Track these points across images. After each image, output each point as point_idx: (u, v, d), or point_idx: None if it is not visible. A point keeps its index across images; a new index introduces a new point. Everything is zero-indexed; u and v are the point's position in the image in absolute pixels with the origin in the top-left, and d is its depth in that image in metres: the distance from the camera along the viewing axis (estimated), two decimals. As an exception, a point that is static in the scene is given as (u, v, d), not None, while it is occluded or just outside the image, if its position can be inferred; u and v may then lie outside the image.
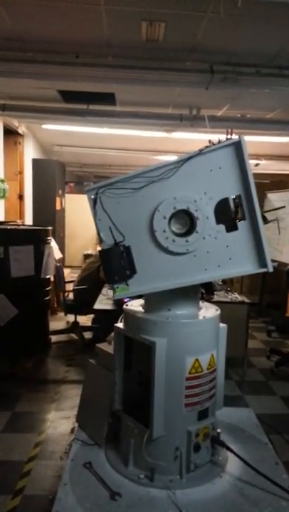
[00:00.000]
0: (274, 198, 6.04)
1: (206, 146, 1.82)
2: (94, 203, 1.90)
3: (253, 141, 6.57)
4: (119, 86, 4.66)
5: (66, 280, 5.57)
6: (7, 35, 3.64)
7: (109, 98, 5.29)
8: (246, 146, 1.80)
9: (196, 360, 1.92)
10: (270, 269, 1.82)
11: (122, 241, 1.87)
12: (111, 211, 1.89)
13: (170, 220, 1.84)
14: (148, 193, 1.85)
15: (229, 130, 2.00)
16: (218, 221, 1.83)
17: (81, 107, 5.43)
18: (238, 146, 1.79)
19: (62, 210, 9.50)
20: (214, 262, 1.86)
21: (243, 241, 1.83)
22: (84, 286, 5.15)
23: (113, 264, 1.87)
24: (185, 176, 1.83)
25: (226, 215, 1.84)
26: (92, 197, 1.90)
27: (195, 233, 1.82)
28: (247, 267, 1.86)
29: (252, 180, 1.79)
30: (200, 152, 1.82)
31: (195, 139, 6.12)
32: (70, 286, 5.54)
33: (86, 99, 5.28)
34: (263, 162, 8.57)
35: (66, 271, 7.30)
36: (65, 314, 5.59)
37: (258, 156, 8.33)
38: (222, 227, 1.83)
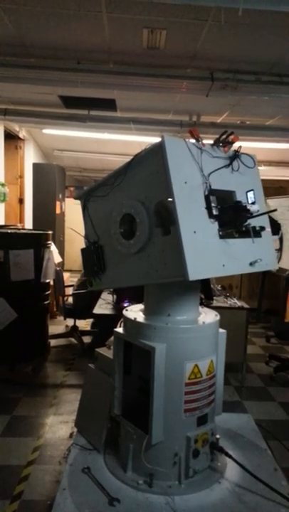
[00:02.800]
0: (273, 204, 6.07)
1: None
2: (83, 209, 2.24)
3: (253, 147, 6.60)
4: (120, 92, 4.69)
5: (66, 284, 5.57)
6: (9, 41, 3.67)
7: (109, 104, 5.33)
8: (173, 148, 1.71)
9: (196, 365, 1.92)
10: (188, 278, 1.62)
11: (97, 241, 2.14)
12: (92, 215, 2.19)
13: (132, 222, 1.93)
14: (111, 199, 2.04)
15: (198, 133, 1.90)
16: (156, 225, 1.80)
17: (82, 113, 5.47)
18: (162, 149, 1.70)
19: (62, 214, 9.52)
20: (154, 266, 1.82)
21: (173, 247, 1.69)
22: (83, 291, 5.16)
23: (87, 260, 2.19)
24: (132, 182, 1.91)
25: (158, 218, 1.82)
26: (82, 203, 2.23)
27: (135, 236, 1.87)
28: (176, 274, 1.69)
29: (173, 184, 1.66)
30: (133, 159, 1.87)
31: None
32: (69, 291, 5.54)
33: (87, 104, 5.32)
34: (262, 168, 8.61)
35: (66, 275, 7.30)
36: (64, 318, 5.59)
37: (257, 162, 8.36)
38: (160, 231, 1.78)
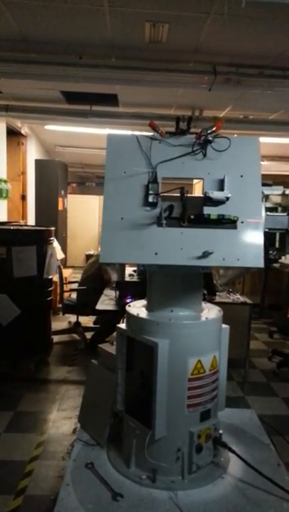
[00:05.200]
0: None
1: None
2: None
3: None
4: (122, 87, 4.67)
5: (69, 280, 5.57)
6: (11, 37, 3.65)
7: (112, 99, 5.31)
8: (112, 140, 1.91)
9: (199, 361, 1.92)
10: (99, 260, 1.82)
11: None
12: None
13: None
14: None
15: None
16: None
17: (84, 108, 5.45)
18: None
19: (65, 210, 9.52)
20: None
21: None
22: (83, 287, 5.16)
23: None
24: None
25: None
26: None
27: None
28: None
29: (106, 174, 1.86)
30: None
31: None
32: (70, 287, 5.54)
33: (89, 100, 5.31)
34: (265, 163, 8.56)
35: (68, 271, 7.32)
36: (63, 314, 5.58)
37: (256, 148, 8.31)
38: None
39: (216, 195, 1.79)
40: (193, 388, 1.91)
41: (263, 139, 6.45)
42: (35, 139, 8.03)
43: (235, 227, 1.80)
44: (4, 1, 3.03)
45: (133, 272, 4.74)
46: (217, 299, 4.19)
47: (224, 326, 2.10)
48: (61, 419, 3.35)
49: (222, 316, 2.07)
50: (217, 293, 4.37)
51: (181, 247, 1.77)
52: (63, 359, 4.67)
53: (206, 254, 1.74)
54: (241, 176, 1.87)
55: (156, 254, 1.77)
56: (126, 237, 1.78)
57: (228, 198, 1.80)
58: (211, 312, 2.07)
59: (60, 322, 5.85)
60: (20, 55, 3.92)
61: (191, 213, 1.80)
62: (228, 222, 1.79)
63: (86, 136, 7.36)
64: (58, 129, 6.65)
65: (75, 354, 4.83)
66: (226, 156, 1.89)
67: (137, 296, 3.61)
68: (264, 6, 2.82)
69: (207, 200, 1.81)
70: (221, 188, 1.84)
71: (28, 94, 5.33)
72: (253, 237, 1.80)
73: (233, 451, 2.03)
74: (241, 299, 4.29)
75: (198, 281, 2.03)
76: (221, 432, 2.08)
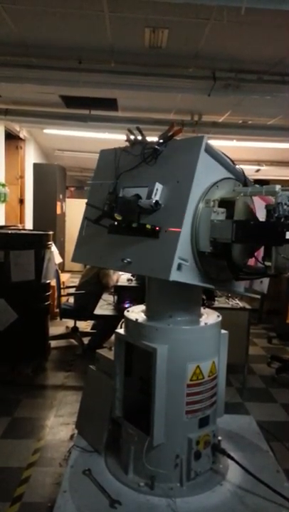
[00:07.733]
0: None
1: None
2: None
3: (254, 147, 6.60)
4: (122, 92, 4.68)
5: (67, 285, 5.55)
6: (10, 41, 3.66)
7: (111, 104, 5.32)
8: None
9: (198, 366, 1.91)
10: (71, 260, 2.14)
11: None
12: None
13: None
14: None
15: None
16: None
17: (83, 112, 5.46)
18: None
19: (63, 214, 9.51)
20: None
21: None
22: (82, 292, 5.14)
23: None
24: None
25: None
26: None
27: None
28: None
29: (90, 188, 2.15)
30: None
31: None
32: (68, 292, 5.52)
33: (88, 104, 5.32)
34: (263, 168, 8.59)
35: (66, 276, 7.30)
36: (60, 319, 5.55)
37: (258, 162, 8.36)
38: None
39: (143, 202, 1.75)
40: (192, 394, 1.90)
41: (262, 144, 6.50)
42: (33, 142, 8.03)
43: (156, 236, 1.71)
44: (4, 5, 3.04)
45: (131, 277, 4.73)
46: (216, 304, 4.18)
47: (223, 331, 2.09)
48: (58, 425, 3.33)
49: (221, 322, 2.06)
50: (216, 298, 4.36)
51: (118, 253, 1.85)
52: (61, 364, 4.64)
53: (124, 263, 1.79)
54: (178, 182, 1.74)
55: (100, 257, 1.99)
56: (89, 242, 2.04)
57: (152, 206, 1.72)
58: (209, 317, 2.06)
59: (58, 327, 5.82)
60: (20, 60, 3.93)
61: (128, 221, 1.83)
62: (147, 231, 1.73)
63: (85, 141, 7.37)
64: (56, 133, 6.67)
65: (73, 359, 4.80)
66: (170, 162, 1.81)
67: (135, 301, 3.60)
68: (263, 12, 2.83)
69: (139, 208, 1.78)
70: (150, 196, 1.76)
71: (27, 98, 5.34)
72: (168, 247, 1.66)
73: (232, 458, 2.02)
74: (240, 304, 4.28)
75: (197, 287, 2.02)
76: (219, 438, 2.07)
